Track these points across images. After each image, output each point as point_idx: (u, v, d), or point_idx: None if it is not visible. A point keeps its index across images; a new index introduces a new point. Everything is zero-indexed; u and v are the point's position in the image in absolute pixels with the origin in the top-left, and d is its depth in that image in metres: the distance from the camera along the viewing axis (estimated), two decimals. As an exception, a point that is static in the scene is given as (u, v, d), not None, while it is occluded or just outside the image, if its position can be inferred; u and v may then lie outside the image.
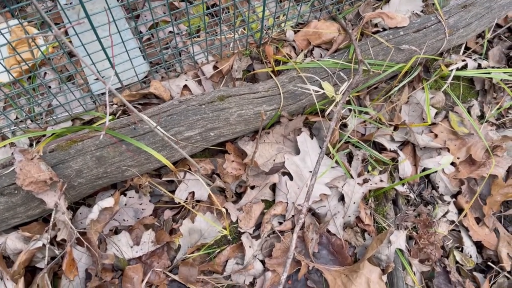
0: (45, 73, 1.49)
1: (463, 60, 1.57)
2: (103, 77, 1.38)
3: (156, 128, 1.06)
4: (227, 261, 1.33)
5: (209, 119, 1.25)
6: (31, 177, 1.09)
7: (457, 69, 1.54)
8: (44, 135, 1.35)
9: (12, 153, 1.13)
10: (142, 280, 1.29)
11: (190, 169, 1.36)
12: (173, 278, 1.30)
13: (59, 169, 1.16)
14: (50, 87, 1.47)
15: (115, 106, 1.40)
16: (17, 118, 1.42)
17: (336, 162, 1.40)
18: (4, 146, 1.30)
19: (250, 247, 1.32)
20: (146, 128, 1.20)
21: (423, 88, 1.54)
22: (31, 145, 1.35)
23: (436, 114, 1.55)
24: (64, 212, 1.12)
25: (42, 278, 1.17)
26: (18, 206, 1.15)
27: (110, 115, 1.39)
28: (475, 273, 1.41)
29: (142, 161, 1.23)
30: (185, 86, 1.46)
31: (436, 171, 1.46)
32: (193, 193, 1.35)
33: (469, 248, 1.42)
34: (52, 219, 1.11)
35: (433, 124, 1.52)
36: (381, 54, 1.43)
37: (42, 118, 1.41)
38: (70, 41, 1.42)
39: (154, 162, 1.24)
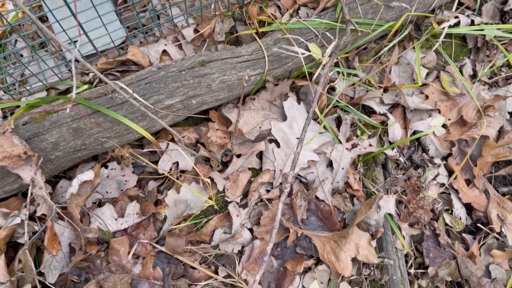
0: (16, 40, 1.40)
1: (456, 17, 1.50)
2: (75, 42, 1.30)
3: (132, 98, 1.00)
4: (214, 230, 1.31)
5: (190, 86, 1.19)
6: (4, 151, 1.04)
7: (450, 27, 1.48)
8: (18, 107, 1.28)
9: (-18, 128, 1.07)
10: (129, 252, 1.27)
11: (173, 138, 1.32)
12: (160, 249, 1.29)
13: (34, 143, 1.11)
14: (22, 55, 1.39)
15: (91, 74, 1.33)
16: (-11, 89, 1.35)
17: (324, 127, 1.36)
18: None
19: (237, 216, 1.30)
20: (124, 98, 1.14)
21: (413, 48, 1.47)
22: (5, 117, 1.29)
23: (427, 74, 1.50)
24: (41, 187, 1.08)
25: (24, 254, 1.14)
26: (-6, 182, 1.11)
27: (86, 83, 1.33)
28: (464, 235, 1.40)
29: (122, 132, 1.18)
30: (165, 52, 1.39)
31: (426, 134, 1.42)
32: (177, 163, 1.31)
33: (459, 210, 1.40)
34: (29, 194, 1.07)
35: (424, 85, 1.47)
36: (370, 13, 1.36)
37: (15, 89, 1.34)
38: (41, 5, 1.33)
39: (135, 132, 1.19)
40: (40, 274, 1.15)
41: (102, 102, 1.14)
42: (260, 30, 1.37)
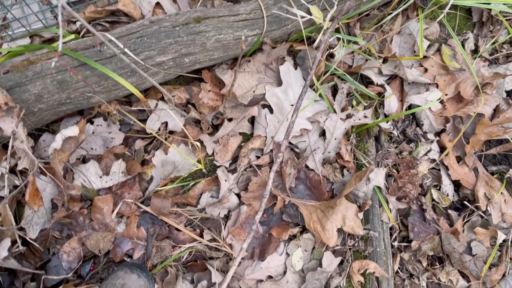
0: (-2, -20, 1.31)
1: (464, -12, 1.44)
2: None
3: (122, 52, 0.95)
4: (201, 194, 1.29)
5: (183, 43, 1.13)
6: (-17, 101, 0.98)
7: (456, -2, 1.42)
8: None
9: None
10: (113, 211, 1.25)
11: (163, 97, 1.26)
12: (145, 209, 1.26)
13: (15, 93, 1.04)
14: (4, -3, 1.30)
15: (79, 23, 1.25)
16: (-32, 32, 1.26)
17: (320, 95, 1.32)
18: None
19: (225, 180, 1.28)
20: (114, 52, 1.08)
21: (417, 18, 1.42)
22: (-15, 64, 1.22)
23: (429, 46, 1.45)
24: (23, 141, 1.03)
25: (4, 208, 1.11)
26: (-28, 132, 1.05)
27: (73, 33, 1.25)
28: (449, 211, 1.41)
29: (110, 87, 1.13)
30: (158, 4, 1.31)
31: (422, 109, 1.40)
32: (166, 123, 1.27)
33: (447, 186, 1.40)
34: (10, 147, 1.02)
35: (424, 57, 1.43)
36: (376, -23, 1.30)
37: (-4, 34, 1.26)
38: None
39: (123, 89, 1.14)
40: (21, 229, 1.12)
41: (89, 55, 1.07)
42: (260, -13, 1.30)
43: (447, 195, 1.40)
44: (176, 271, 1.25)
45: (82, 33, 1.25)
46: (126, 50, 1.05)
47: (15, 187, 1.12)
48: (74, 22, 1.26)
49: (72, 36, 1.16)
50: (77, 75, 0.99)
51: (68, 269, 1.21)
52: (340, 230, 1.25)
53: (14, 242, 1.11)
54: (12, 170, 1.12)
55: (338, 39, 1.33)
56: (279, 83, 1.32)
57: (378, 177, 1.30)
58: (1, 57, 1.11)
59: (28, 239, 1.12)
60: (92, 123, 1.24)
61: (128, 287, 1.15)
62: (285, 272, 1.29)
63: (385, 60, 1.40)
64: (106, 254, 1.25)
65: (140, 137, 1.29)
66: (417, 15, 1.42)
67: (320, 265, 1.28)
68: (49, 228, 1.17)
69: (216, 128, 1.33)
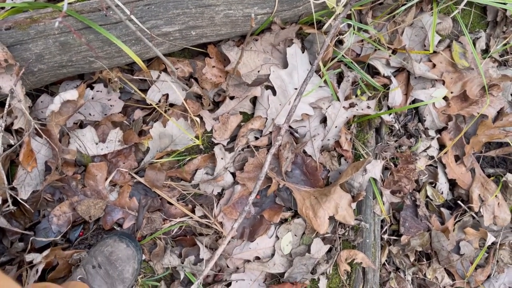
0: None
1: (481, -15, 1.41)
2: None
3: (128, 19, 0.92)
4: (196, 170, 1.28)
5: (191, 15, 1.10)
6: (-18, 56, 0.96)
7: (473, -6, 1.39)
8: (2, 8, 1.18)
9: (-40, 26, 0.98)
10: (106, 179, 1.25)
11: (166, 69, 1.24)
12: (138, 180, 1.26)
13: (16, 51, 1.02)
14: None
15: (86, -16, 1.22)
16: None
17: (325, 81, 1.30)
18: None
19: (222, 158, 1.27)
20: (120, 17, 1.05)
21: (431, 11, 1.39)
22: (-13, 18, 1.19)
23: (439, 42, 1.43)
24: (21, 100, 1.01)
25: (-3, 165, 1.10)
26: (-30, 86, 1.03)
27: (80, -6, 1.22)
28: (442, 209, 1.41)
29: (113, 54, 1.10)
30: (169, -28, 1.27)
31: (426, 104, 1.38)
32: (167, 95, 1.25)
33: (442, 185, 1.40)
34: (7, 105, 1.01)
35: (434, 52, 1.41)
36: (394, -35, 1.27)
37: (1, -12, 1.23)
38: None
39: (126, 56, 1.11)
40: (12, 188, 1.11)
41: (95, 18, 1.05)
42: (275, -35, 1.26)
43: (442, 193, 1.40)
44: (165, 244, 1.25)
45: (88, -5, 1.22)
46: (132, 17, 1.03)
47: (10, 146, 1.11)
48: (81, -17, 1.22)
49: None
50: (81, 38, 0.96)
51: (57, 232, 1.21)
52: (331, 218, 1.25)
53: (4, 201, 1.10)
54: (8, 129, 1.11)
55: (349, 25, 1.30)
56: (285, 65, 1.29)
57: (375, 169, 1.29)
58: (4, 12, 1.08)
59: (19, 200, 1.11)
60: (92, 88, 1.22)
61: (116, 255, 1.15)
62: (273, 255, 1.29)
63: (393, 52, 1.37)
64: (96, 221, 1.25)
65: (139, 107, 1.27)
66: (431, 8, 1.40)
67: (309, 250, 1.29)
68: (41, 190, 1.16)
69: (217, 105, 1.32)
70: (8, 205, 1.10)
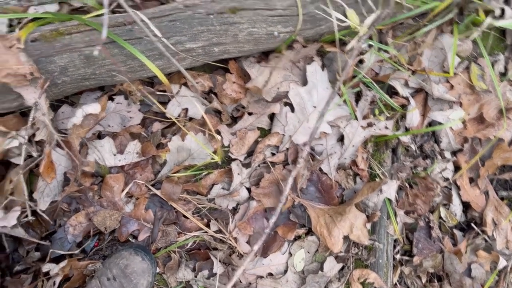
0: None
1: (502, 8, 1.41)
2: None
3: (153, 36, 0.93)
4: (213, 184, 1.28)
5: (215, 32, 1.10)
6: (8, 68, 0.96)
7: (493, 17, 1.39)
8: (33, 20, 1.17)
9: (-13, 37, 0.98)
10: (122, 190, 1.25)
11: (186, 82, 1.25)
12: (155, 192, 1.26)
13: (41, 63, 1.02)
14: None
15: (110, -4, 1.22)
16: (-5, -9, 1.23)
17: (344, 100, 1.30)
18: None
19: (239, 174, 1.27)
20: (145, 31, 1.05)
21: (451, 32, 1.39)
22: (10, 25, 1.19)
23: (458, 63, 1.43)
24: (44, 113, 1.01)
25: (17, 176, 1.10)
26: (-7, 96, 1.04)
27: (102, 4, 1.22)
28: (455, 231, 1.41)
29: (136, 68, 1.11)
30: (192, -14, 1.27)
31: (444, 127, 1.38)
32: (186, 109, 1.25)
33: (456, 206, 1.40)
34: (31, 119, 1.01)
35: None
36: (417, -13, 1.26)
37: (25, -4, 1.23)
38: None
39: (149, 70, 1.11)
40: (32, 199, 1.12)
41: (120, 33, 1.05)
42: (298, -18, 1.26)
43: (455, 215, 1.40)
44: (179, 258, 1.26)
45: (111, 7, 1.22)
46: (157, 32, 1.03)
47: (29, 156, 1.12)
48: (105, -5, 1.22)
49: (104, 10, 1.13)
50: (107, 54, 0.96)
51: (72, 242, 1.21)
52: (345, 237, 1.25)
53: (23, 211, 1.11)
54: (29, 139, 1.11)
55: (370, 45, 1.30)
56: (304, 82, 1.30)
57: (390, 189, 1.30)
58: (29, 26, 1.08)
59: (38, 210, 1.11)
60: (112, 100, 1.22)
61: (131, 268, 1.15)
62: (285, 271, 1.30)
63: (412, 72, 1.37)
64: (111, 232, 1.25)
65: (158, 119, 1.27)
66: (451, 30, 1.40)
67: (321, 268, 1.29)
68: (59, 201, 1.16)
69: (234, 119, 1.32)
70: (27, 215, 1.10)
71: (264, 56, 1.32)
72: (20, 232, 1.12)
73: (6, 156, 1.13)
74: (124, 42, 1.04)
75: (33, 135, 1.09)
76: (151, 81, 1.26)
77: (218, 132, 1.27)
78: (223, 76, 1.28)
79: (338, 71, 1.25)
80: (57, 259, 1.19)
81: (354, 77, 1.31)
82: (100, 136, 1.25)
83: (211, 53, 1.15)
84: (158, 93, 1.21)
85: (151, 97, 1.21)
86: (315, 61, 1.29)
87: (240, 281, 1.28)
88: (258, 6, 1.15)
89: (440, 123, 1.37)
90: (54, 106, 1.20)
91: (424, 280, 1.36)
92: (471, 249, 1.40)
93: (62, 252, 1.18)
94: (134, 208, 1.25)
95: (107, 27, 1.05)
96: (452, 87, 1.41)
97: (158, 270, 1.24)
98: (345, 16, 1.20)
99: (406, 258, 1.37)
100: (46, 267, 1.13)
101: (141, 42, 1.07)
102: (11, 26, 1.18)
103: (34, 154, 1.05)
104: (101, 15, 1.11)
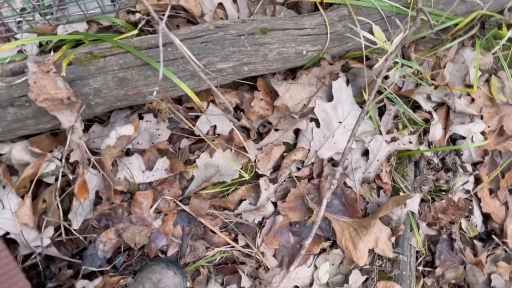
0: (57, -42, 1.27)
1: (522, 21, 1.43)
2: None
3: (198, 68, 0.94)
4: (241, 200, 1.30)
5: (246, 53, 1.11)
6: (46, 93, 0.97)
7: (513, 31, 1.41)
8: (60, 40, 1.17)
9: (25, 60, 0.99)
10: (151, 206, 1.26)
11: (213, 100, 1.26)
12: (182, 208, 1.28)
13: (76, 86, 1.03)
14: (62, -23, 1.27)
15: (138, 14, 1.23)
16: (24, 9, 1.23)
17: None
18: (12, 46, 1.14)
19: (266, 189, 1.29)
20: (177, 53, 1.06)
21: (472, 46, 1.41)
22: (40, 45, 1.19)
23: (479, 77, 1.44)
24: (81, 137, 1.02)
25: (50, 195, 1.12)
26: (28, 119, 1.04)
27: (131, 24, 1.23)
28: (475, 241, 1.44)
29: (168, 88, 1.11)
30: (220, 4, 1.28)
31: (464, 138, 1.40)
32: (214, 126, 1.26)
33: (477, 218, 1.43)
34: (68, 143, 1.02)
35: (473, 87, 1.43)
36: (441, 3, 1.27)
37: (52, 14, 1.23)
38: None
39: (179, 90, 1.12)
40: (66, 219, 1.13)
41: (153, 55, 1.06)
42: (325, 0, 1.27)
43: (476, 226, 1.43)
44: (208, 272, 1.28)
45: (140, 26, 1.22)
46: (190, 54, 1.04)
47: (62, 176, 1.13)
48: (133, 13, 1.23)
49: (135, 31, 1.14)
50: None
51: (103, 258, 1.23)
52: (370, 250, 1.28)
53: (56, 229, 1.13)
54: (60, 160, 1.12)
55: (395, 62, 1.31)
56: (330, 98, 1.31)
57: (413, 202, 1.32)
58: (64, 47, 1.09)
59: (72, 230, 1.13)
60: (141, 118, 1.23)
61: (164, 282, 1.17)
62: (311, 284, 1.32)
63: (435, 87, 1.39)
64: (140, 248, 1.27)
65: (185, 136, 1.28)
66: (473, 43, 1.41)
67: (346, 281, 1.32)
68: (91, 219, 1.18)
69: (260, 135, 1.33)
70: (60, 234, 1.12)
71: (290, 72, 1.33)
72: (53, 251, 1.13)
73: (39, 176, 1.14)
74: (157, 64, 1.04)
75: (67, 156, 1.10)
76: (179, 99, 1.27)
77: (243, 148, 1.29)
78: (249, 92, 1.29)
79: (364, 88, 1.26)
80: (88, 276, 1.21)
81: (378, 92, 1.32)
82: (128, 153, 1.26)
83: (240, 72, 1.16)
84: (190, 113, 1.22)
85: (181, 115, 1.22)
86: (341, 77, 1.30)
87: (267, 295, 1.30)
88: (287, 26, 1.16)
89: (461, 136, 1.39)
90: (85, 125, 1.20)
91: (446, 291, 1.39)
92: (491, 260, 1.43)
93: (93, 269, 1.19)
94: (162, 224, 1.27)
95: (141, 49, 1.06)
96: (473, 100, 1.43)
97: (188, 284, 1.26)
98: (372, 33, 1.21)
99: (428, 269, 1.40)
100: (79, 283, 1.15)
101: (174, 64, 1.08)
102: (41, 46, 1.19)
103: (70, 176, 1.06)
104: (133, 36, 1.12)
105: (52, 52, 1.09)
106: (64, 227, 1.13)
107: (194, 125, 1.24)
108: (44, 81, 0.97)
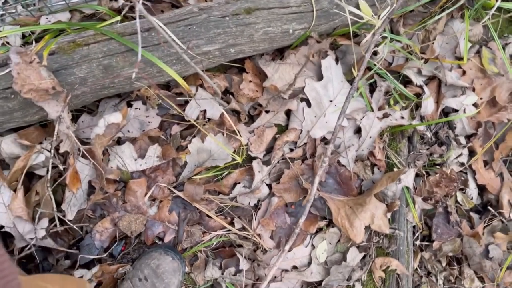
0: None
1: (511, -10, 1.41)
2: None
3: (183, 52, 0.93)
4: (235, 183, 1.30)
5: (232, 34, 1.10)
6: (30, 83, 0.97)
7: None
8: (44, 31, 1.16)
9: (8, 52, 0.98)
10: (146, 194, 1.26)
11: (202, 84, 1.25)
12: (177, 194, 1.27)
13: (61, 75, 1.02)
14: (42, -34, 1.25)
15: (121, 1, 1.21)
16: (6, 1, 1.22)
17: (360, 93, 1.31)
18: (-6, 39, 1.13)
19: (259, 172, 1.28)
20: (161, 37, 1.05)
21: (461, 18, 1.39)
22: (24, 37, 1.18)
23: (469, 48, 1.43)
24: (68, 127, 1.02)
25: (43, 188, 1.12)
26: (15, 111, 1.04)
27: (114, 11, 1.21)
28: (472, 214, 1.44)
29: (154, 74, 1.11)
30: (203, -14, 1.26)
31: (457, 111, 1.40)
32: (204, 111, 1.25)
33: (472, 190, 1.43)
34: (55, 133, 1.02)
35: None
36: (428, -25, 1.26)
37: (34, 5, 1.22)
38: None
39: (166, 75, 1.12)
40: (60, 210, 1.13)
41: (136, 41, 1.03)
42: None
43: (471, 198, 1.43)
44: (206, 257, 1.28)
45: (123, 12, 1.21)
46: (174, 37, 1.03)
47: (53, 167, 1.12)
48: (116, 0, 1.21)
49: (119, 17, 1.13)
50: (124, 59, 0.97)
51: (100, 248, 1.23)
52: (367, 228, 1.28)
53: (50, 221, 1.13)
54: (50, 151, 1.11)
55: (383, 37, 1.30)
56: (319, 77, 1.30)
57: (408, 178, 1.32)
58: (46, 36, 1.08)
59: (67, 221, 1.13)
60: (130, 106, 1.23)
61: (163, 268, 1.18)
62: (309, 263, 1.32)
63: (426, 60, 1.38)
64: (137, 236, 1.27)
65: (176, 122, 1.28)
66: (461, 15, 1.40)
67: (344, 259, 1.32)
68: (85, 209, 1.18)
69: (251, 118, 1.33)
70: (56, 225, 1.12)
71: (278, 52, 1.32)
72: (49, 243, 1.14)
73: (29, 168, 1.14)
74: (142, 50, 1.03)
75: (57, 147, 1.09)
76: (167, 84, 1.26)
77: (239, 134, 1.28)
78: (237, 75, 1.28)
79: (354, 65, 1.25)
80: (87, 265, 1.21)
81: (368, 68, 1.31)
82: (119, 141, 1.26)
83: (227, 54, 1.15)
84: (178, 98, 1.21)
85: (169, 101, 1.21)
86: (330, 56, 1.29)
87: (266, 276, 1.31)
88: (272, 5, 1.14)
89: (454, 109, 1.38)
90: (74, 115, 1.20)
91: (444, 264, 1.40)
92: (488, 231, 1.43)
93: (91, 257, 1.20)
94: (158, 211, 1.27)
95: (125, 36, 1.05)
96: (464, 72, 1.42)
97: (186, 269, 1.26)
98: (358, 8, 1.19)
99: (426, 243, 1.41)
100: (78, 272, 1.15)
101: (159, 49, 1.07)
102: (24, 37, 1.18)
103: (60, 167, 1.06)
104: (116, 22, 1.11)
105: (34, 43, 1.08)
106: (59, 218, 1.14)
107: (184, 111, 1.24)
108: (28, 72, 0.96)
